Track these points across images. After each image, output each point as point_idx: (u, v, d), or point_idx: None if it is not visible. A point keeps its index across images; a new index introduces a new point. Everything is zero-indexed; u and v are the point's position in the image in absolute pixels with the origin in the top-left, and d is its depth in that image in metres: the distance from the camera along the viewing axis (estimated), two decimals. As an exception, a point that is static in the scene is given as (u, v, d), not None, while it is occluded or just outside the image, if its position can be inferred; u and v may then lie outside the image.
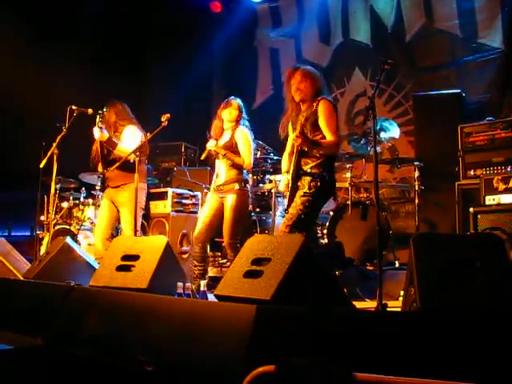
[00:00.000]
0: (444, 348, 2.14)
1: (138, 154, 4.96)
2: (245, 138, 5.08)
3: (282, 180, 4.47)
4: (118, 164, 5.13)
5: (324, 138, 4.17)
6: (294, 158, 4.22)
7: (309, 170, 4.21)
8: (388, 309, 2.97)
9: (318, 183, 4.18)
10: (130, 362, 2.67)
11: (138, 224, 5.26)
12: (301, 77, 4.32)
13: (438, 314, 2.26)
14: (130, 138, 5.36)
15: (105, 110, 5.41)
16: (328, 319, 2.36)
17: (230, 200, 4.97)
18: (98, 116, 5.27)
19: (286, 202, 4.33)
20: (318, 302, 2.66)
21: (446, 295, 2.35)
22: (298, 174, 4.23)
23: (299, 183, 4.23)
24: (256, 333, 2.24)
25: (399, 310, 3.19)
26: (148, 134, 5.16)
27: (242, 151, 5.04)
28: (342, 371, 1.91)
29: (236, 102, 5.22)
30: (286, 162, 4.49)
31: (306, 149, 4.17)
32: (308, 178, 4.19)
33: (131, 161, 5.15)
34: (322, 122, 4.18)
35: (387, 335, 2.28)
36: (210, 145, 5.07)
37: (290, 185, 4.25)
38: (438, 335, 2.19)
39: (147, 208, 6.24)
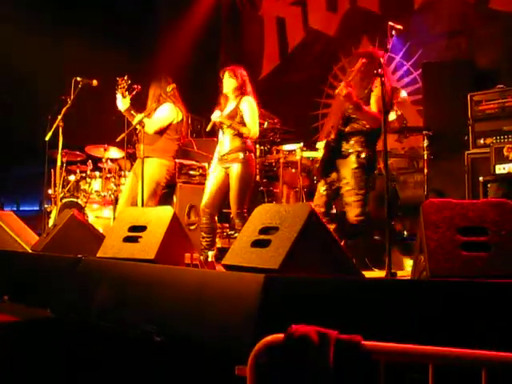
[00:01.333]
0: (454, 315, 2.12)
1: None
2: (250, 108, 5.01)
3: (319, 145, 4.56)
4: (124, 134, 5.13)
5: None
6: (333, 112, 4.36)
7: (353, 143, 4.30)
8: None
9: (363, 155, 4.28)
10: (138, 332, 2.67)
11: (152, 197, 5.32)
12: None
13: (448, 282, 2.24)
14: (161, 114, 5.35)
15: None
16: (337, 287, 2.33)
17: (235, 169, 4.93)
18: (118, 82, 5.22)
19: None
20: (327, 270, 2.64)
21: (455, 264, 2.32)
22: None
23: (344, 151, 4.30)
24: (264, 302, 2.23)
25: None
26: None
27: (248, 121, 4.97)
28: (352, 339, 1.89)
29: (230, 71, 5.11)
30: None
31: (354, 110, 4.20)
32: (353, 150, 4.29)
33: (149, 133, 5.21)
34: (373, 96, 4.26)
35: (396, 303, 2.26)
36: (215, 116, 5.01)
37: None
38: (448, 303, 2.16)
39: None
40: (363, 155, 4.25)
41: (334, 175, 4.38)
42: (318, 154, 6.11)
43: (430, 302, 2.18)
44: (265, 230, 2.72)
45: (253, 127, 4.96)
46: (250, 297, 2.28)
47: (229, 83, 5.07)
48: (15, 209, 10.01)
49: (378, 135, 4.23)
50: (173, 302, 2.68)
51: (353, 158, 4.26)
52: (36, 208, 9.55)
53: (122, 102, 5.22)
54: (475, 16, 7.25)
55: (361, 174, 4.23)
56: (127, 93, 5.18)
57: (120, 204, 5.50)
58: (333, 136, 4.31)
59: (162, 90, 5.38)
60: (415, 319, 2.19)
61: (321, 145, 4.38)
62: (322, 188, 4.44)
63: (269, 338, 1.96)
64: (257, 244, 2.68)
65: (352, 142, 4.30)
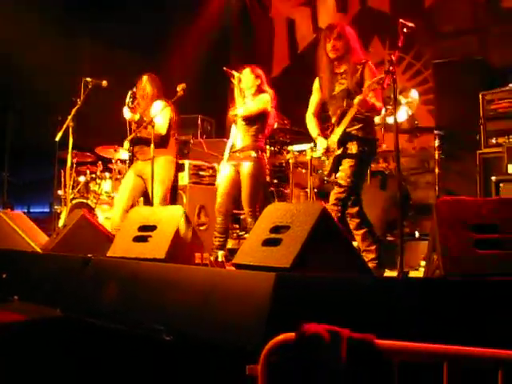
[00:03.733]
0: (468, 314, 2.09)
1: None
2: (263, 99, 5.08)
3: (320, 144, 4.31)
4: (130, 137, 5.17)
5: None
6: (344, 121, 4.09)
7: (355, 133, 4.14)
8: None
9: (366, 147, 4.14)
10: (148, 332, 2.66)
11: (167, 195, 5.37)
12: (339, 33, 4.21)
13: (462, 280, 2.20)
14: (165, 113, 5.37)
15: (143, 81, 5.45)
16: (349, 286, 2.30)
17: (247, 168, 4.92)
18: (128, 95, 5.32)
19: (325, 166, 4.23)
20: (338, 269, 2.61)
21: (469, 262, 2.29)
22: (345, 138, 4.13)
23: (348, 147, 4.13)
24: (275, 301, 2.20)
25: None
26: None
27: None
28: (364, 338, 1.87)
29: (250, 68, 5.19)
30: (315, 125, 4.42)
31: (361, 111, 4.05)
32: (356, 143, 4.12)
33: (163, 134, 5.31)
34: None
35: (409, 302, 2.23)
36: (233, 112, 5.07)
37: (333, 149, 4.15)
38: (462, 302, 2.13)
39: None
40: (360, 149, 4.13)
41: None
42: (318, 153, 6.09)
43: (443, 301, 2.15)
44: (276, 229, 2.70)
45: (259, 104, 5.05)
46: (261, 296, 2.26)
47: (248, 79, 5.11)
48: (25, 210, 10.03)
49: (373, 126, 4.33)
50: (183, 301, 2.66)
51: (351, 152, 4.14)
52: (46, 210, 9.58)
53: (131, 114, 5.29)
54: (486, 14, 7.20)
55: (356, 167, 4.10)
56: (134, 105, 5.28)
57: (117, 206, 5.47)
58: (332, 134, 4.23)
59: (156, 89, 5.45)
60: (429, 318, 2.15)
61: (322, 143, 4.29)
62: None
63: (280, 336, 1.94)
64: (268, 243, 2.66)
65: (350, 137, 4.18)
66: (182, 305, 2.65)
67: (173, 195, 5.85)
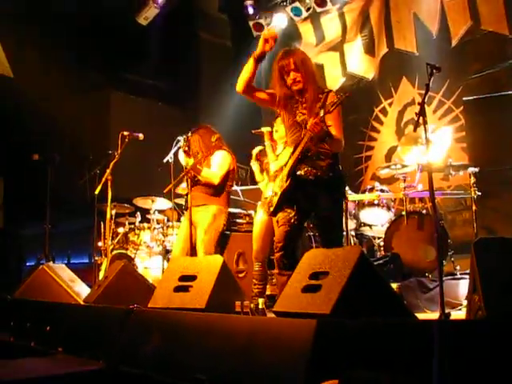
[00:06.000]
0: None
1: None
2: None
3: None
4: (172, 185, 5.20)
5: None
6: (297, 151, 3.77)
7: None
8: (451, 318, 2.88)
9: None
10: (191, 382, 2.67)
11: (212, 244, 5.27)
12: (298, 63, 3.88)
13: (506, 320, 2.18)
14: (220, 163, 5.35)
15: (190, 134, 5.37)
16: (390, 331, 2.30)
17: None
18: (183, 140, 5.26)
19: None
20: (378, 313, 2.61)
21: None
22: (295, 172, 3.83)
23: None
24: (317, 347, 2.21)
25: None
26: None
27: None
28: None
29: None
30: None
31: (316, 142, 3.73)
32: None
33: (215, 184, 5.29)
34: (330, 117, 3.71)
35: (452, 345, 2.21)
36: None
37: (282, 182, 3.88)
38: (507, 343, 2.10)
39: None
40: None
41: None
42: (364, 196, 6.10)
43: (487, 343, 2.13)
44: (315, 276, 2.72)
45: None
46: (303, 342, 2.27)
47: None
48: (66, 262, 10.21)
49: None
50: (224, 350, 2.68)
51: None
52: (86, 260, 9.73)
53: (186, 160, 5.29)
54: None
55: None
56: (189, 150, 5.30)
57: (175, 255, 5.35)
58: None
59: (209, 139, 5.41)
60: (473, 361, 2.13)
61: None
62: None
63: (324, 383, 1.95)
64: (308, 289, 2.68)
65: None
66: (223, 354, 2.67)
67: (223, 242, 5.84)
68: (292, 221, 3.85)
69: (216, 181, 5.30)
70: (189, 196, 5.05)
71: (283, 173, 3.88)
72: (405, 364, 2.20)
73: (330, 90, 3.94)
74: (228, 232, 5.87)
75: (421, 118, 3.31)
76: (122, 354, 3.27)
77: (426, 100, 3.49)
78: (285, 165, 3.90)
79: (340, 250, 2.83)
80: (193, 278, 3.46)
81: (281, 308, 2.76)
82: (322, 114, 3.62)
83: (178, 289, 3.48)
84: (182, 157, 5.32)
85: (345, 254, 2.67)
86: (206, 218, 5.22)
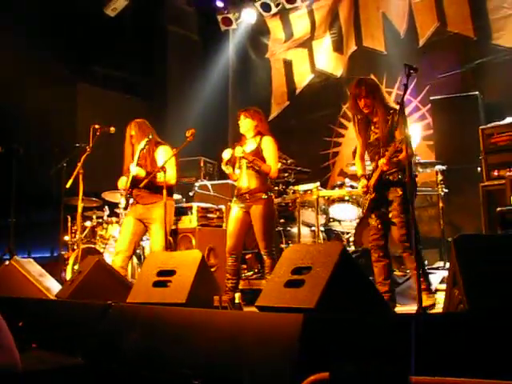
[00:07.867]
0: (497, 347, 2.14)
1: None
2: (271, 146, 5.11)
3: (360, 184, 4.65)
4: (146, 181, 5.14)
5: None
6: (375, 173, 4.43)
7: (392, 179, 4.41)
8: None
9: (403, 189, 4.33)
10: (175, 376, 2.68)
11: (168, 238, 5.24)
12: (366, 92, 4.48)
13: (488, 314, 2.26)
14: (169, 162, 5.23)
15: (147, 139, 5.25)
16: (375, 324, 2.36)
17: (259, 210, 4.95)
18: (138, 152, 5.22)
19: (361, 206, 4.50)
20: (359, 307, 2.66)
21: (493, 296, 2.34)
22: (380, 185, 4.43)
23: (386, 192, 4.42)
24: (305, 341, 2.25)
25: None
26: (173, 149, 5.21)
27: (269, 158, 5.06)
28: (398, 374, 1.91)
29: (244, 112, 5.23)
30: (360, 166, 4.74)
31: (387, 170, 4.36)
32: (394, 187, 4.38)
33: (173, 185, 5.29)
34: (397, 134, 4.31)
35: (434, 338, 2.28)
36: (238, 151, 5.06)
37: (369, 193, 4.49)
38: (489, 335, 2.18)
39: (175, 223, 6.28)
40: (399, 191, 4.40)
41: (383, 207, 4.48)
42: (335, 192, 6.19)
43: (470, 335, 2.20)
44: (297, 270, 2.75)
45: (274, 165, 5.05)
46: (290, 336, 2.31)
47: (245, 124, 5.19)
48: (26, 255, 10.04)
49: None
50: (208, 344, 2.70)
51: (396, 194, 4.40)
52: (47, 254, 9.60)
53: (139, 170, 5.25)
54: (479, 52, 7.42)
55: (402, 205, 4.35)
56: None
57: (118, 251, 5.31)
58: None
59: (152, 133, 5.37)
60: (455, 353, 2.20)
61: (362, 183, 4.61)
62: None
63: (313, 376, 1.99)
64: (290, 284, 2.71)
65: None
66: (207, 348, 2.68)
67: (174, 238, 5.87)
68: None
69: (174, 181, 5.33)
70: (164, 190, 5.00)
71: (370, 183, 4.52)
72: (386, 355, 2.27)
73: (395, 110, 4.39)
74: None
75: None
76: (100, 350, 3.25)
77: (403, 99, 3.59)
78: (369, 177, 4.56)
79: (322, 245, 2.88)
80: (171, 272, 3.47)
81: (263, 302, 2.79)
82: (389, 155, 4.24)
83: (157, 284, 3.48)
84: (133, 168, 5.24)
85: (327, 249, 2.71)
86: (159, 214, 5.13)
